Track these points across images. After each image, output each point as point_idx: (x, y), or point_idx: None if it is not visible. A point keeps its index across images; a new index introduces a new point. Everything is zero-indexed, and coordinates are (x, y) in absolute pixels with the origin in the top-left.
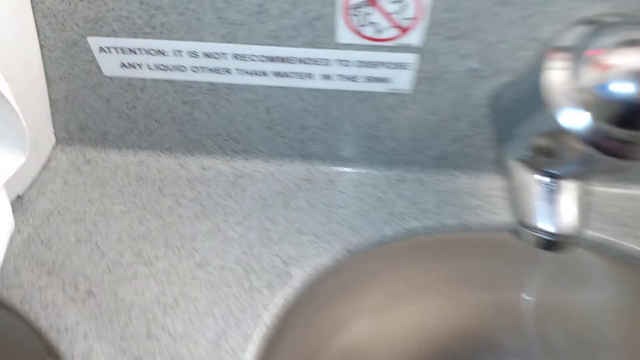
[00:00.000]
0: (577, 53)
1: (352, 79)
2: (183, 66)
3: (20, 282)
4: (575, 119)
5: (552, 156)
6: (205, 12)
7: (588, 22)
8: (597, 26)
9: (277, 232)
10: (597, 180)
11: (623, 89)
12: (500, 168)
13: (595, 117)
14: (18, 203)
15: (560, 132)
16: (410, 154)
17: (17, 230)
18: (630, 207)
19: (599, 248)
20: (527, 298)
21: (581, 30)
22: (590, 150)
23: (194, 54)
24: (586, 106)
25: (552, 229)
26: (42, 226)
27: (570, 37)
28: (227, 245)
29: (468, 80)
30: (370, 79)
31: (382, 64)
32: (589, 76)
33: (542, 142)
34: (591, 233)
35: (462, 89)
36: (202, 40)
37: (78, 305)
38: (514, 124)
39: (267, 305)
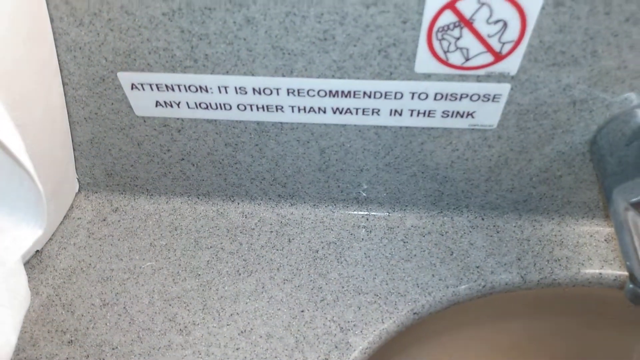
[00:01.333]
0: None
1: (428, 114)
2: (228, 104)
3: (38, 354)
4: None
5: None
6: (259, 41)
7: None
8: None
9: (331, 292)
10: None
11: None
12: (607, 213)
13: None
14: (37, 260)
15: None
16: (486, 196)
17: (35, 292)
18: None
19: None
20: None
21: None
22: None
23: (242, 90)
24: None
25: None
26: (63, 287)
27: None
28: (274, 307)
29: (569, 114)
30: (449, 114)
31: (466, 96)
32: None
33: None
34: None
35: (559, 124)
36: (252, 74)
37: None
38: (627, 164)
39: None
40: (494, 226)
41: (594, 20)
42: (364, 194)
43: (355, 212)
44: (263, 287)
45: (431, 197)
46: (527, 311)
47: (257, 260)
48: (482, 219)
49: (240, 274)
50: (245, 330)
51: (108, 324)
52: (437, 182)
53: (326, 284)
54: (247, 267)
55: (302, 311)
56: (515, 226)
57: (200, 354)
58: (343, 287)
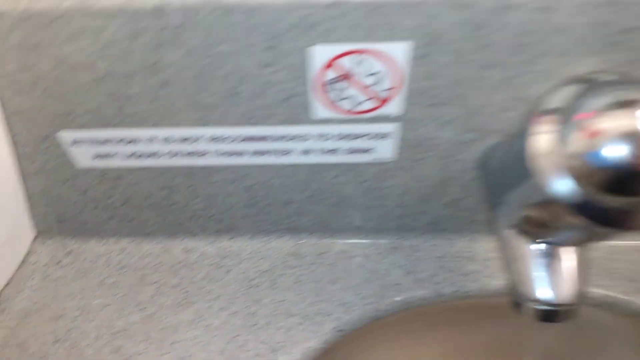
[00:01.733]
0: (565, 116)
1: (333, 152)
2: (158, 153)
3: None
4: (565, 188)
5: (545, 226)
6: (177, 98)
7: (579, 80)
8: (588, 86)
9: (263, 316)
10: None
11: (614, 153)
12: (494, 234)
13: (586, 185)
14: None
15: (550, 202)
16: (402, 220)
17: None
18: (639, 260)
19: (607, 307)
20: None
21: (570, 90)
22: (582, 220)
23: (168, 140)
24: (575, 174)
25: (551, 299)
26: (18, 327)
27: (559, 98)
28: (210, 335)
29: (452, 146)
30: (351, 151)
31: (363, 135)
32: (578, 143)
33: (533, 211)
34: (596, 291)
35: (447, 155)
36: (176, 125)
37: None
38: (504, 190)
39: None
40: (413, 246)
41: (456, 69)
42: (294, 224)
43: (288, 241)
44: (201, 317)
45: (353, 223)
46: (444, 323)
47: (197, 291)
48: (403, 241)
49: (180, 306)
50: (184, 357)
51: (59, 358)
52: (356, 209)
53: (259, 309)
54: (188, 299)
55: (236, 336)
56: (431, 245)
57: None
58: (274, 311)
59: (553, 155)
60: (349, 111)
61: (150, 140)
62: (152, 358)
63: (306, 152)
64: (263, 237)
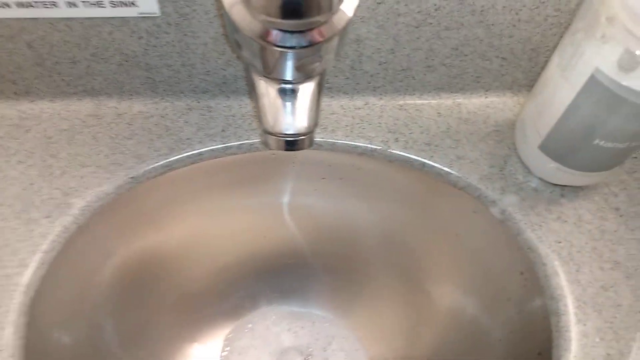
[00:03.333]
0: None
1: (98, 4)
2: None
3: None
4: (243, 20)
5: (255, 59)
6: None
7: None
8: None
9: (59, 167)
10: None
11: None
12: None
13: (258, 11)
14: None
15: (238, 31)
16: (191, 82)
17: None
18: (400, 116)
19: (370, 154)
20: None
21: None
22: (262, 43)
23: None
24: (249, 2)
25: (288, 131)
26: None
27: None
28: (6, 183)
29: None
30: (116, 4)
31: None
32: None
33: (242, 44)
34: (362, 143)
35: (209, 8)
36: None
37: None
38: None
39: (45, 234)
40: (207, 107)
41: None
42: (91, 86)
43: (87, 104)
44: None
45: (146, 84)
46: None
47: None
48: (198, 102)
49: None
50: None
51: None
52: (143, 69)
53: (56, 162)
54: None
55: (32, 184)
56: (224, 106)
57: None
58: (70, 163)
59: None
60: None
61: None
62: None
63: (71, 4)
64: (63, 99)
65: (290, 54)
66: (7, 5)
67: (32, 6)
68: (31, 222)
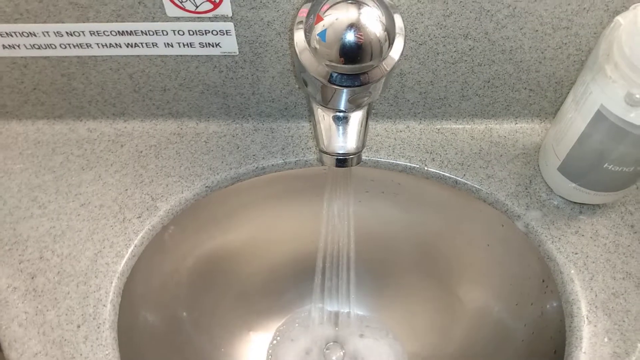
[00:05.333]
0: (311, 13)
1: (189, 45)
2: (53, 44)
3: None
4: (310, 60)
5: (316, 93)
6: (59, 1)
7: None
8: None
9: (148, 177)
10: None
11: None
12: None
13: (323, 58)
14: None
15: (305, 71)
16: (258, 107)
17: None
18: (437, 139)
19: (409, 172)
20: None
21: None
22: (325, 82)
23: (58, 34)
24: (315, 50)
25: (339, 150)
26: None
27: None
28: (106, 189)
29: (280, 42)
30: (204, 45)
31: (209, 31)
32: (316, 28)
33: (307, 81)
34: (402, 161)
35: (276, 50)
36: (62, 21)
37: None
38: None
39: (137, 231)
40: (270, 129)
41: None
42: (175, 109)
43: (172, 124)
44: (100, 177)
45: (222, 109)
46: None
47: (97, 160)
48: (262, 124)
49: (84, 170)
50: (85, 204)
51: None
52: (220, 97)
53: (145, 172)
54: (89, 165)
55: (126, 190)
56: (285, 128)
57: (52, 220)
58: (157, 173)
59: (304, 39)
60: (192, 11)
61: (45, 33)
62: (60, 204)
63: (168, 44)
64: (151, 120)
65: (345, 90)
66: (119, 45)
67: (138, 46)
68: (126, 220)
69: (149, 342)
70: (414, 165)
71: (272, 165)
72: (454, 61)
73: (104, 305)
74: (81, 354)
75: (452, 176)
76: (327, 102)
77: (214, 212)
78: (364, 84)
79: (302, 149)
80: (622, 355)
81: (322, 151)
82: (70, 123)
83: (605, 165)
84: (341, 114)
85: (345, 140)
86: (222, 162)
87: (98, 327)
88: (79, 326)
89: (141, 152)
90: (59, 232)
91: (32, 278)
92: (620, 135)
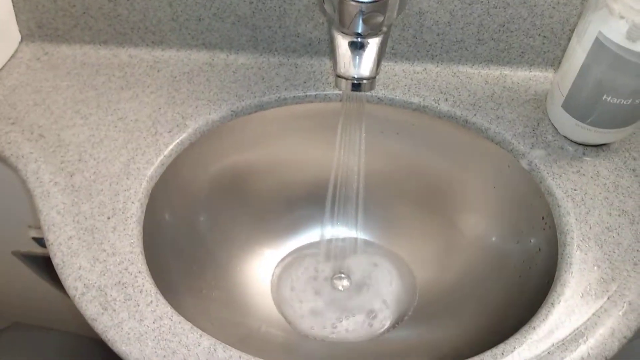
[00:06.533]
0: None
1: None
2: None
3: None
4: None
5: (334, 13)
6: None
7: None
8: None
9: (180, 98)
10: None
11: None
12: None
13: None
14: None
15: None
16: (284, 42)
17: None
18: (452, 81)
19: (422, 110)
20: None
21: None
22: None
23: None
24: None
25: (354, 75)
26: (9, 95)
27: None
28: (141, 106)
29: None
30: None
31: None
32: None
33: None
34: (416, 100)
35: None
36: None
37: (32, 142)
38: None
39: (167, 144)
40: (294, 64)
41: None
42: (208, 40)
43: (204, 55)
44: (137, 96)
45: (251, 42)
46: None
47: (135, 82)
48: (287, 59)
49: (123, 89)
50: (122, 117)
51: (37, 115)
52: (250, 29)
53: (178, 94)
54: (128, 85)
55: (160, 108)
56: (308, 64)
57: (92, 129)
58: (188, 96)
59: None
60: None
61: None
62: (100, 116)
63: None
64: (186, 50)
65: (360, 8)
66: None
67: None
68: (157, 134)
69: (169, 242)
70: (427, 104)
71: (294, 97)
72: (470, 1)
73: (132, 203)
74: (109, 241)
75: (463, 115)
76: (344, 24)
77: (237, 135)
78: (377, 0)
79: (323, 83)
80: (608, 281)
81: (338, 75)
82: (113, 49)
83: (604, 97)
84: (358, 40)
85: (360, 65)
86: (248, 90)
87: (126, 220)
88: (109, 218)
89: (175, 77)
90: (98, 139)
91: (71, 176)
92: (618, 63)
